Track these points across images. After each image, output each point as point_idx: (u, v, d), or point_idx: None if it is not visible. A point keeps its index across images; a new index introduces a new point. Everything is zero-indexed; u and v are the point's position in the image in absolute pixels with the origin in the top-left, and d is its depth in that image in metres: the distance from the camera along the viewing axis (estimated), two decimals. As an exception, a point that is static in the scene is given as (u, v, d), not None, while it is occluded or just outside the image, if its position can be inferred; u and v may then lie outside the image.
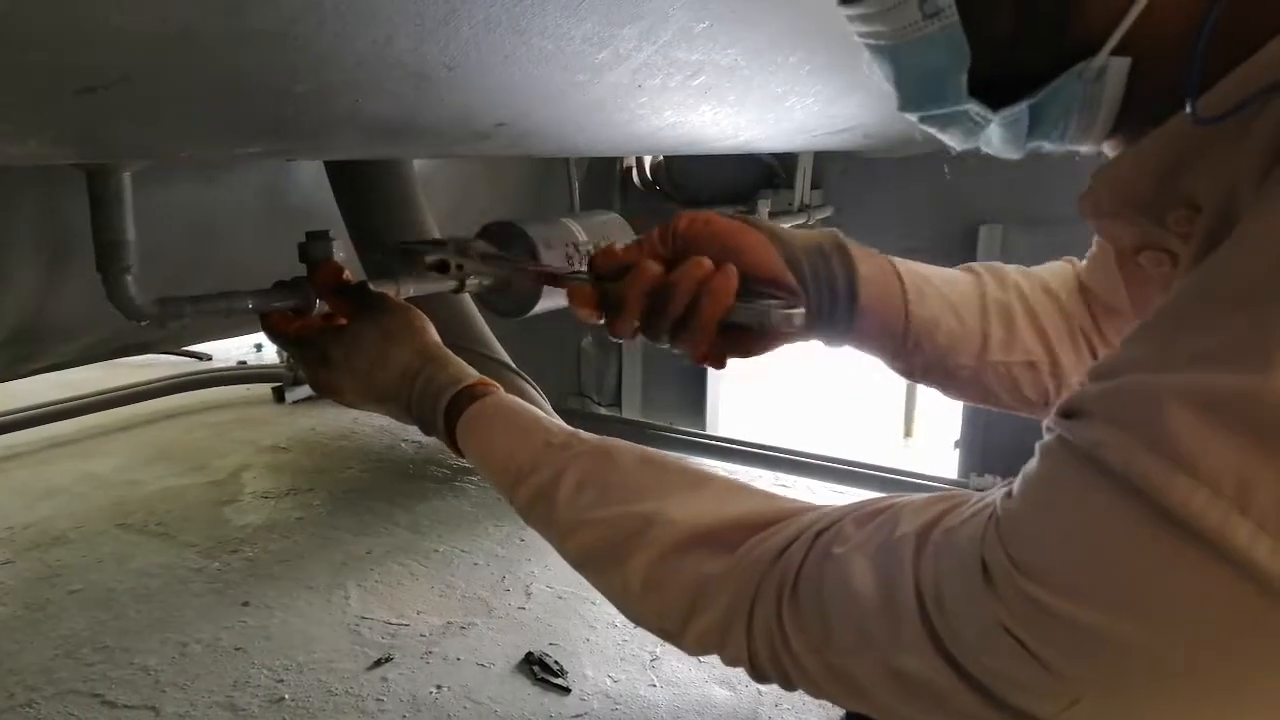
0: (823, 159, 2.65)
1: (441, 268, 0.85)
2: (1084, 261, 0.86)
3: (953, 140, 0.59)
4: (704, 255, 0.71)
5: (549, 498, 0.69)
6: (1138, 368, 0.42)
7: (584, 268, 0.79)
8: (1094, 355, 0.83)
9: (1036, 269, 0.88)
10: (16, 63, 0.58)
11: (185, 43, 0.62)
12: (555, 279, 0.84)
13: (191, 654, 1.87)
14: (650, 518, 0.63)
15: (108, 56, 0.61)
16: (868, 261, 0.78)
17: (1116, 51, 0.48)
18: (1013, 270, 0.86)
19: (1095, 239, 0.79)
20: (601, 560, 0.66)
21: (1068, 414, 0.45)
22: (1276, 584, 0.36)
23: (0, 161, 0.76)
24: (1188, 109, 0.45)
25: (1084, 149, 0.57)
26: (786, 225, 0.80)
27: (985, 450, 2.58)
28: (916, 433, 3.41)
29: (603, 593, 0.68)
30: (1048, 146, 0.57)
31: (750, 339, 0.73)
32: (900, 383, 3.40)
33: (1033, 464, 0.46)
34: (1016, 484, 0.47)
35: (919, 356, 0.80)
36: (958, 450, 2.66)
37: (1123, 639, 0.40)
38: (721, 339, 0.72)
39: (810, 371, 4.40)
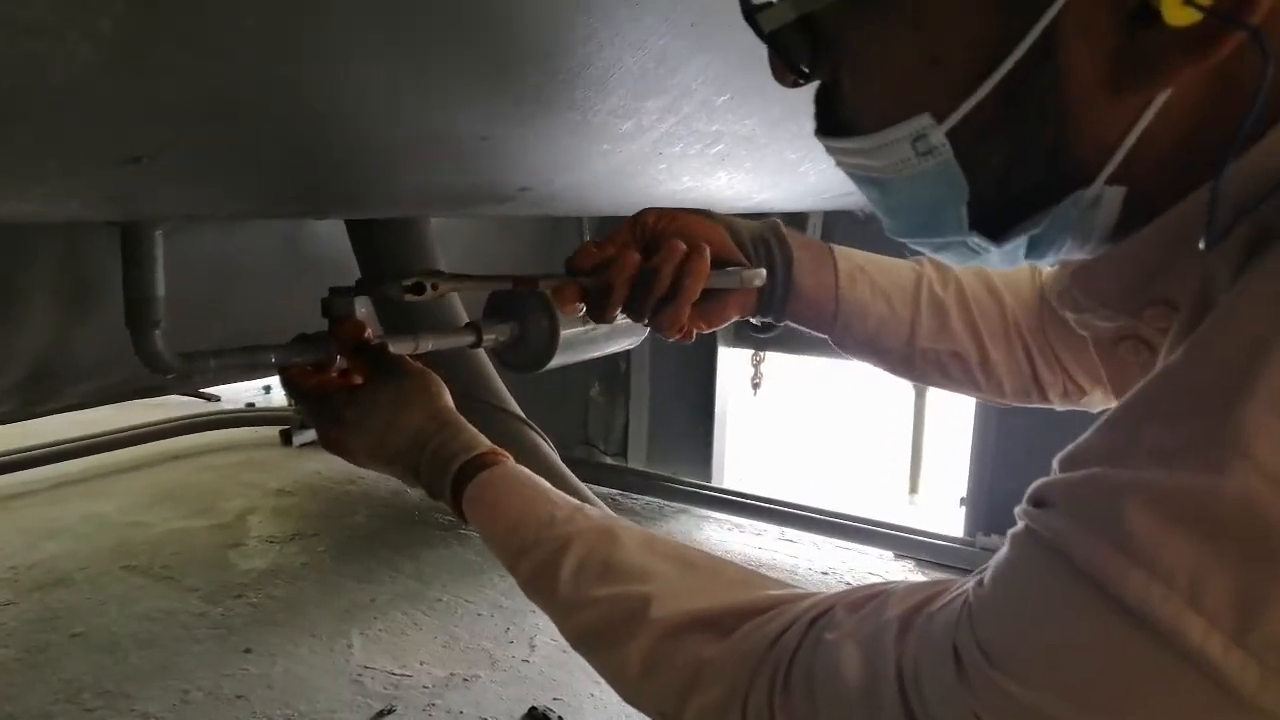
0: (832, 216, 2.68)
1: (418, 289, 0.89)
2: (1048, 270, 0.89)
3: (946, 259, 0.58)
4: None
5: (551, 574, 0.69)
6: (1101, 460, 0.43)
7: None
8: (1027, 355, 0.88)
9: (992, 269, 0.91)
10: (66, 132, 0.60)
11: (229, 115, 0.64)
12: (532, 281, 0.87)
13: (193, 701, 1.86)
14: (649, 599, 0.64)
15: (155, 128, 0.63)
16: (806, 248, 0.86)
17: (1111, 180, 0.48)
18: (960, 267, 0.90)
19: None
20: (600, 641, 0.67)
21: (1036, 503, 0.45)
22: (1229, 681, 0.37)
23: (40, 219, 0.78)
24: (1201, 244, 0.45)
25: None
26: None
27: (991, 508, 2.58)
28: (922, 489, 3.40)
29: (600, 673, 0.68)
30: (1041, 263, 0.57)
31: (713, 312, 0.84)
32: (907, 439, 3.40)
33: (1003, 552, 0.47)
34: (988, 571, 0.47)
35: (849, 335, 0.88)
36: (964, 507, 2.65)
37: None
38: (691, 313, 0.81)
39: (817, 426, 4.40)
